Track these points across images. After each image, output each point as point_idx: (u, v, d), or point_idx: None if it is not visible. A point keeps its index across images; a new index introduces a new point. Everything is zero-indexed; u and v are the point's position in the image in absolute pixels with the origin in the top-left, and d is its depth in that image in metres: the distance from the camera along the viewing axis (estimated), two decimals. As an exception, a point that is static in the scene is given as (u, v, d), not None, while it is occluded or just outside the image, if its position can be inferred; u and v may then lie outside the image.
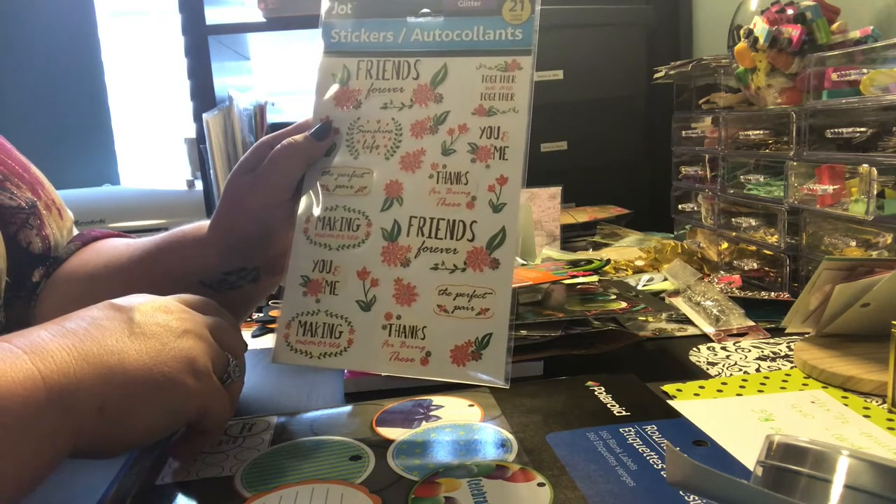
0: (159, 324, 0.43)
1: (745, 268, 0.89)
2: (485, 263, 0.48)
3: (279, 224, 0.54)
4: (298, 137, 0.53)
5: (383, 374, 0.51)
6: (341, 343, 0.49)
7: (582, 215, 1.22)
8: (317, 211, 0.52)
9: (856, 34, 0.79)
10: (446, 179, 0.50)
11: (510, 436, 0.47)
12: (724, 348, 0.65)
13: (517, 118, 0.49)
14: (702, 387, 0.56)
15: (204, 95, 1.46)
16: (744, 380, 0.57)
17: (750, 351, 0.64)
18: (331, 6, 0.56)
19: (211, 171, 1.32)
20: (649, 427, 0.47)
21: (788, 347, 0.64)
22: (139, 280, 0.55)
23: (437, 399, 0.54)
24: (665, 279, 0.87)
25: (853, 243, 0.71)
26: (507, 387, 0.46)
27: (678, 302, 0.78)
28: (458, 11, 0.52)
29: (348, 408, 0.54)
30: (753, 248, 0.89)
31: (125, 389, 0.38)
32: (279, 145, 0.53)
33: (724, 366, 0.61)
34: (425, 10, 0.53)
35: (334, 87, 0.54)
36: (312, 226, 0.52)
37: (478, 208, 0.49)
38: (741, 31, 0.86)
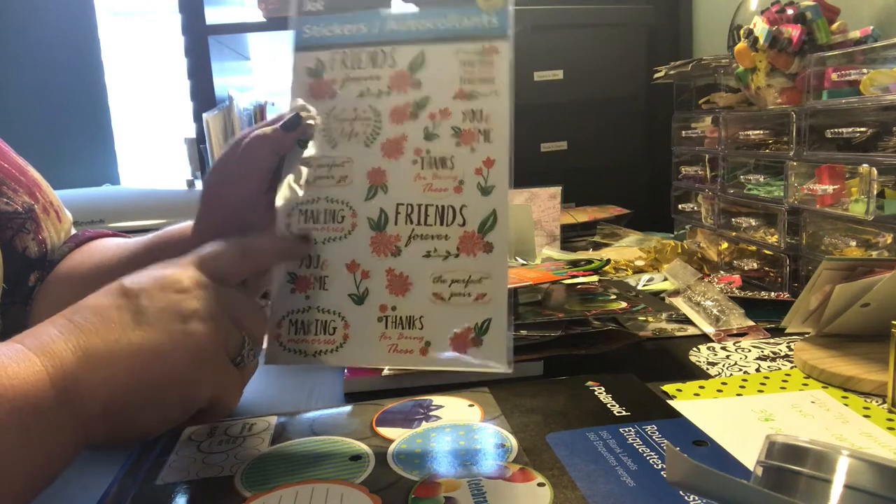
0: (166, 308, 0.40)
1: (745, 268, 0.89)
2: (478, 248, 0.47)
3: (259, 220, 0.53)
4: (267, 129, 0.52)
5: (384, 367, 0.50)
6: (336, 339, 0.48)
7: (582, 215, 1.22)
8: (297, 205, 0.51)
9: (856, 34, 0.79)
10: (431, 164, 0.49)
11: (510, 436, 0.47)
12: (724, 348, 0.65)
13: (499, 101, 0.48)
14: (702, 387, 0.56)
15: (204, 95, 1.46)
16: (744, 380, 0.57)
17: (750, 351, 0.64)
18: (302, 3, 0.54)
19: (211, 171, 1.32)
20: (649, 427, 0.47)
21: (788, 347, 0.64)
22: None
23: (437, 399, 0.54)
24: (665, 279, 0.87)
25: (853, 243, 0.71)
26: (511, 371, 0.45)
27: (678, 302, 0.78)
28: (432, 1, 0.51)
29: (348, 408, 0.54)
30: (753, 248, 0.89)
31: (128, 388, 0.38)
32: (248, 137, 0.52)
33: (724, 366, 0.61)
34: (398, 2, 0.52)
35: (308, 80, 0.53)
36: (294, 220, 0.51)
37: (466, 192, 0.48)
38: (741, 31, 0.86)
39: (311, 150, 0.52)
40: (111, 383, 0.38)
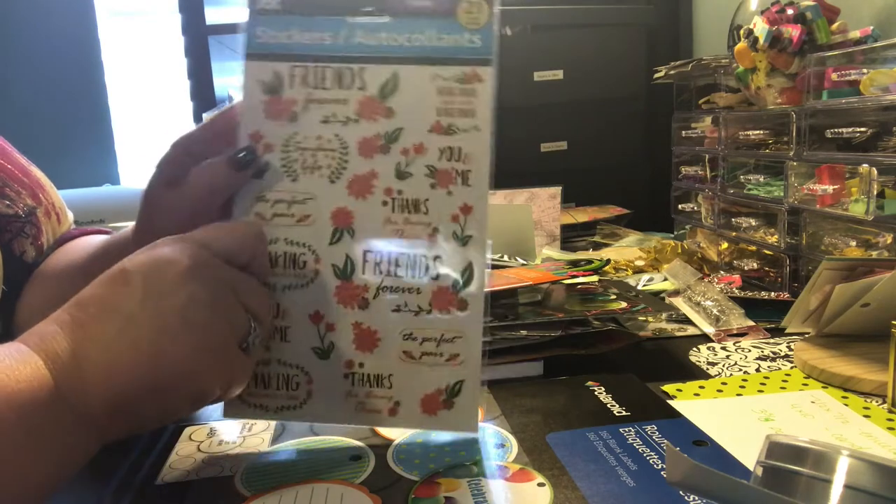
0: (165, 297, 0.38)
1: (745, 268, 0.89)
2: (452, 304, 0.44)
3: None
4: (218, 164, 0.46)
5: (350, 425, 0.46)
6: (299, 395, 0.45)
7: (582, 215, 1.22)
8: None
9: (856, 34, 0.79)
10: (403, 207, 0.44)
11: (510, 436, 0.47)
12: (724, 348, 0.65)
13: (479, 137, 0.44)
14: (702, 387, 0.56)
15: (204, 95, 1.46)
16: (744, 380, 0.57)
17: (750, 351, 0.64)
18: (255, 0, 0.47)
19: (211, 171, 1.32)
20: (649, 427, 0.47)
21: (788, 347, 0.64)
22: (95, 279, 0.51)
23: (437, 399, 0.54)
24: (665, 279, 0.87)
25: (853, 243, 0.71)
26: (478, 436, 0.44)
27: (678, 302, 0.78)
28: (407, 11, 0.45)
29: (348, 408, 0.54)
30: (753, 248, 0.89)
31: (131, 387, 0.37)
32: (196, 171, 0.46)
33: (724, 366, 0.61)
34: (368, 9, 0.46)
35: (263, 97, 0.46)
36: None
37: (440, 241, 0.44)
38: (741, 31, 0.86)
39: (268, 182, 0.46)
40: (113, 382, 0.37)
